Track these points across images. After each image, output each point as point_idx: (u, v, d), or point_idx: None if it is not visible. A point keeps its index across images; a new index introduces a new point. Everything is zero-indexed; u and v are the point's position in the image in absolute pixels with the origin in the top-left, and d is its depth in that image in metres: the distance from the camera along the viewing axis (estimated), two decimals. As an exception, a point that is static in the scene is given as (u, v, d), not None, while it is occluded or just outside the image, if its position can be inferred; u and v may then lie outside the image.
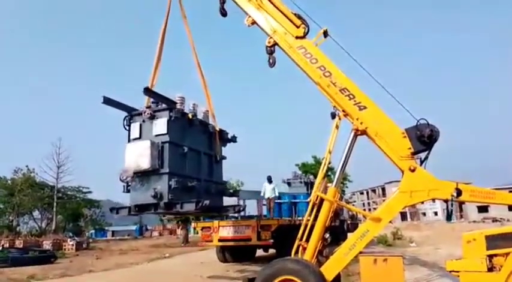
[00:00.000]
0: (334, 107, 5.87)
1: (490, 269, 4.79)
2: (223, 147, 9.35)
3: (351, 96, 5.69)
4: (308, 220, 5.66)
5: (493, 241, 4.88)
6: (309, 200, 5.91)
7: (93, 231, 54.50)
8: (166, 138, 7.36)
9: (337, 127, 5.86)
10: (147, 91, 7.53)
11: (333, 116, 5.90)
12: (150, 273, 12.23)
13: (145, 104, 7.95)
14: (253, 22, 6.62)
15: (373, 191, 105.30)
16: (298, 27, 6.21)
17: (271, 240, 11.14)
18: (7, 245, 21.83)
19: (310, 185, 17.05)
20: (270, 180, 14.97)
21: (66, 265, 15.04)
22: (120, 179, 7.39)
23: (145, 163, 7.01)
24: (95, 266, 14.68)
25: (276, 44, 6.37)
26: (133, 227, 59.50)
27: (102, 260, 17.72)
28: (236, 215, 12.32)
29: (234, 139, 9.68)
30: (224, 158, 9.32)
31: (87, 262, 16.39)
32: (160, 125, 7.48)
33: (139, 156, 7.07)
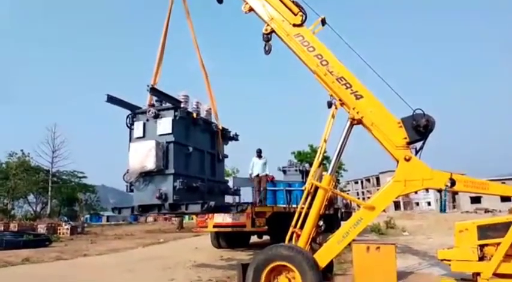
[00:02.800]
0: (331, 96, 5.86)
1: (481, 258, 4.85)
2: (225, 146, 9.35)
3: (348, 85, 5.68)
4: (302, 208, 5.70)
5: (484, 231, 4.93)
6: (304, 188, 5.94)
7: (88, 215, 54.65)
8: (171, 138, 7.30)
9: (333, 116, 5.86)
10: (153, 90, 7.44)
11: (329, 105, 5.90)
12: (144, 257, 12.31)
13: (148, 102, 7.86)
14: (251, 9, 6.53)
15: (368, 180, 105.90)
16: (295, 14, 6.14)
17: (266, 227, 11.21)
18: (2, 229, 21.89)
19: (305, 173, 17.06)
20: (259, 154, 13.16)
21: (61, 249, 15.11)
22: (124, 180, 7.34)
23: (150, 164, 6.95)
24: (89, 250, 14.76)
25: (273, 31, 6.32)
26: (129, 213, 59.50)
27: (97, 244, 17.82)
28: (231, 201, 12.36)
29: (236, 137, 9.66)
30: (226, 156, 9.32)
31: (82, 246, 16.47)
32: (165, 125, 7.40)
33: (144, 156, 7.00)
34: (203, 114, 8.62)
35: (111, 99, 7.60)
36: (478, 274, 4.84)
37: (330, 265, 5.75)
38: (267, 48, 6.45)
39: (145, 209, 7.43)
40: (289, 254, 5.15)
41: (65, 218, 39.10)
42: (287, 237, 5.70)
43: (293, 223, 5.70)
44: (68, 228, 24.35)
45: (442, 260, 5.20)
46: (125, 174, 7.29)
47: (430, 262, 8.92)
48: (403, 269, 7.39)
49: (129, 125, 7.81)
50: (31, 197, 49.06)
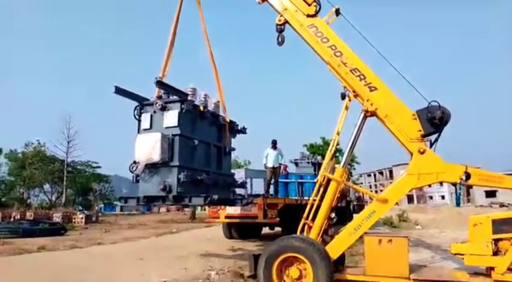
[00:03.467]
0: (345, 87, 5.81)
1: (495, 253, 4.81)
2: (232, 139, 9.34)
3: (362, 77, 5.62)
4: (315, 200, 5.69)
5: (499, 225, 4.88)
6: (316, 180, 5.93)
7: (102, 205, 55.43)
8: (177, 130, 7.32)
9: (346, 108, 5.81)
10: (159, 84, 7.47)
11: (343, 96, 5.84)
12: (157, 247, 12.45)
13: (156, 94, 7.89)
14: (264, -1, 6.50)
15: (381, 173, 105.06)
16: (309, 5, 6.08)
17: (278, 219, 11.23)
18: (18, 217, 22.35)
19: (317, 166, 17.01)
20: (274, 145, 12.88)
21: (76, 237, 15.36)
22: (130, 170, 7.42)
23: (155, 156, 7.00)
24: (103, 238, 14.98)
25: (286, 22, 6.26)
26: (142, 203, 60.08)
27: (111, 233, 18.07)
28: (243, 192, 12.40)
29: (243, 130, 9.65)
30: (233, 149, 9.32)
31: (96, 235, 16.73)
32: (171, 117, 7.43)
33: (149, 148, 7.05)
34: (211, 107, 8.59)
35: (119, 91, 7.64)
36: (492, 268, 4.80)
37: (342, 257, 5.76)
38: (279, 39, 6.41)
39: (150, 199, 7.51)
40: (300, 246, 5.17)
41: (80, 207, 39.80)
42: (299, 229, 5.71)
43: (305, 215, 5.70)
44: (82, 218, 24.73)
45: (455, 254, 5.16)
46: (130, 165, 7.36)
47: (443, 256, 8.86)
48: (416, 262, 7.34)
49: (136, 116, 7.87)
50: (47, 186, 50.00)
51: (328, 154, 6.00)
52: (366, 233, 5.46)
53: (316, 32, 5.94)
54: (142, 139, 7.30)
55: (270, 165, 12.80)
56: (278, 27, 6.34)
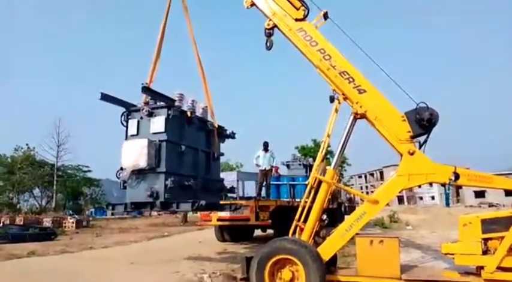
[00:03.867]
0: (334, 90, 5.86)
1: (485, 252, 4.87)
2: (221, 144, 9.33)
3: (351, 80, 5.67)
4: (306, 202, 5.71)
5: (488, 225, 4.95)
6: (307, 182, 5.95)
7: (93, 209, 54.90)
8: (164, 136, 7.30)
9: (336, 111, 5.86)
10: (145, 90, 7.44)
11: (332, 99, 5.89)
12: (148, 250, 12.40)
13: (143, 100, 7.86)
14: (252, 4, 6.51)
15: (371, 174, 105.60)
16: (297, 9, 6.12)
17: (270, 221, 11.25)
18: (7, 222, 22.06)
19: (309, 168, 17.07)
20: (266, 147, 12.98)
21: (66, 242, 15.23)
22: (117, 176, 7.39)
23: (142, 162, 6.97)
24: (94, 243, 14.88)
25: (275, 26, 6.30)
26: (133, 206, 59.62)
27: (102, 237, 17.95)
28: (235, 195, 12.41)
29: (232, 135, 9.64)
30: (222, 154, 9.31)
31: (87, 239, 16.60)
32: (158, 123, 7.41)
33: (136, 154, 7.02)
34: (199, 112, 8.55)
35: (105, 97, 7.58)
36: (482, 268, 4.85)
37: (334, 258, 5.78)
38: (268, 44, 6.45)
39: (137, 206, 7.49)
40: (292, 248, 5.18)
41: (70, 212, 39.35)
42: (291, 231, 5.72)
43: (297, 217, 5.72)
44: (73, 222, 24.50)
45: (445, 254, 5.22)
46: (118, 171, 7.33)
47: (434, 256, 8.93)
48: (407, 262, 7.41)
49: (123, 122, 7.84)
50: (36, 191, 49.37)
51: (319, 156, 6.03)
52: (357, 234, 5.50)
53: (305, 36, 5.99)
54: (129, 145, 7.26)
55: (262, 167, 12.86)
56: (267, 31, 6.37)
